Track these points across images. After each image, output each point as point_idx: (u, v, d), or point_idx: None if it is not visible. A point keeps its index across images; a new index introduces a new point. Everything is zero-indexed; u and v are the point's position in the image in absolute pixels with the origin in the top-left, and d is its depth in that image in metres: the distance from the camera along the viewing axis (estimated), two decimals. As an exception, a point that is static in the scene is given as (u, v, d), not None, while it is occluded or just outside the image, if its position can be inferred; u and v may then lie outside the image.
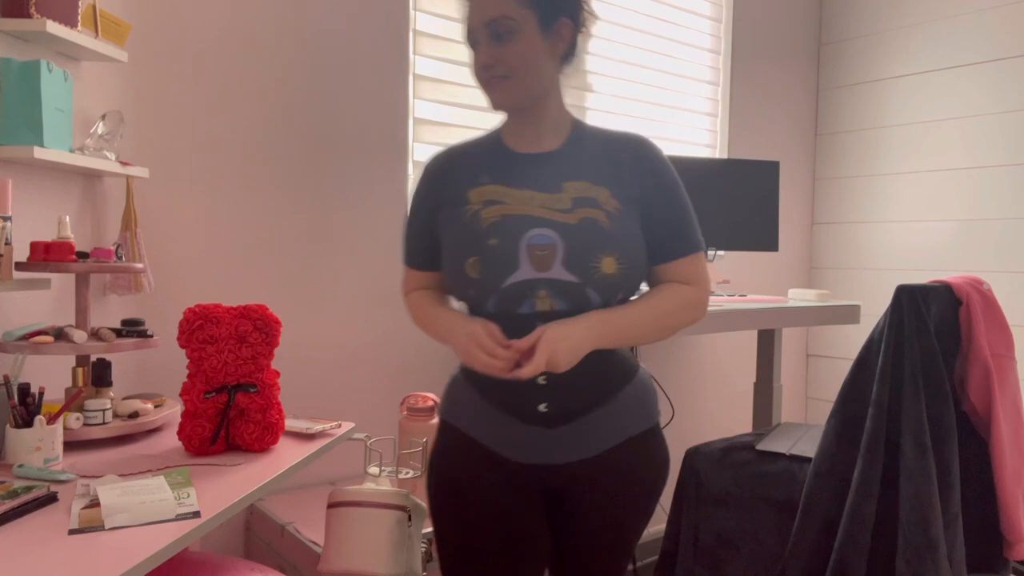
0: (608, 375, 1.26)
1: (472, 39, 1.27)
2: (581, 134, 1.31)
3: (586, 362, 1.21)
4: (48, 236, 1.70)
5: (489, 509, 1.29)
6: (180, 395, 1.48)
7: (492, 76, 1.24)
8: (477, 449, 1.29)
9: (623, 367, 1.29)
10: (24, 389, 1.37)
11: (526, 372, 1.14)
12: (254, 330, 1.50)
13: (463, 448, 1.31)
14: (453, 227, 1.27)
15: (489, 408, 1.27)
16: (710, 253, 2.73)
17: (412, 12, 2.43)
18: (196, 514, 1.13)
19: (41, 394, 1.39)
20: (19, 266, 1.52)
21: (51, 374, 1.72)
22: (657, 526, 3.11)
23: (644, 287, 1.34)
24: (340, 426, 1.70)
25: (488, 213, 1.24)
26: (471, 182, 1.29)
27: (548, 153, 1.29)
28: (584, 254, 1.19)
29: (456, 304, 1.33)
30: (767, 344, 2.85)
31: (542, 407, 1.23)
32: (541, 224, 1.21)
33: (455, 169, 1.32)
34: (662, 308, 1.26)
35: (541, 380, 1.22)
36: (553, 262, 1.19)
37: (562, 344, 1.15)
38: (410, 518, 1.49)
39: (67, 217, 1.57)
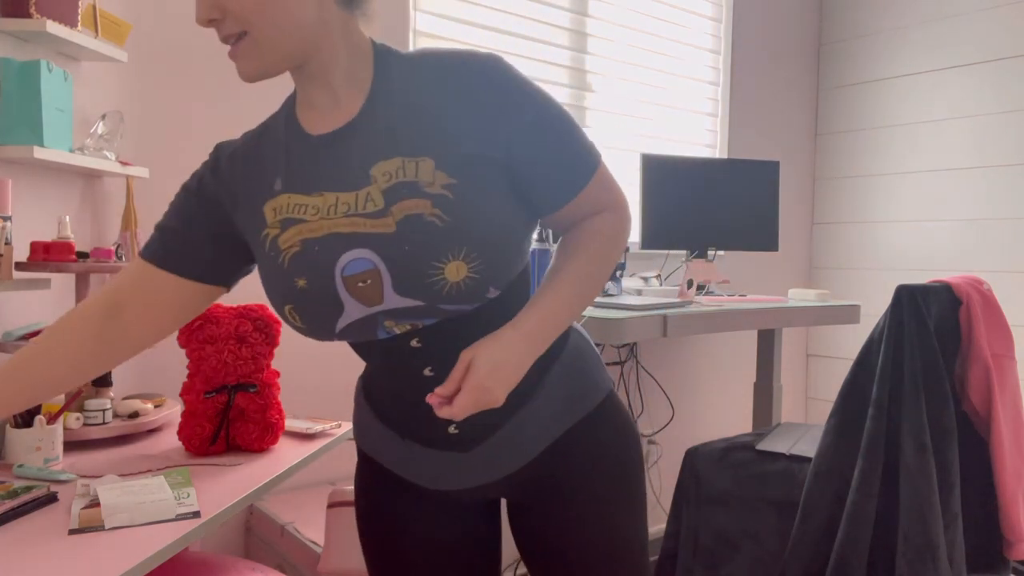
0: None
1: None
2: (387, 79, 0.93)
3: None
4: (48, 236, 1.70)
5: (414, 539, 1.09)
6: (180, 395, 1.48)
7: (225, 36, 0.88)
8: (390, 477, 1.09)
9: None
10: (24, 389, 1.37)
11: (455, 412, 0.87)
12: (254, 330, 1.50)
13: (376, 475, 1.10)
14: (258, 259, 0.98)
15: (394, 436, 1.04)
16: (709, 253, 2.73)
17: (412, 12, 2.43)
18: (196, 514, 1.13)
19: (41, 394, 1.39)
20: (19, 266, 1.52)
21: (51, 374, 1.72)
22: (657, 526, 3.11)
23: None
24: (340, 426, 1.70)
25: (286, 241, 0.93)
26: (265, 191, 0.97)
27: (345, 127, 0.93)
28: (417, 270, 0.87)
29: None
30: (767, 344, 2.86)
31: (452, 429, 0.99)
32: (352, 244, 0.89)
33: (248, 168, 0.99)
34: (591, 266, 0.96)
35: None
36: (382, 292, 0.89)
37: (498, 375, 0.88)
38: (410, 518, 1.49)
39: (67, 217, 1.57)
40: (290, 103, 1.00)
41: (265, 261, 0.96)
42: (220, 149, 1.03)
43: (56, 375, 0.99)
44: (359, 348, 1.01)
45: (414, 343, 0.94)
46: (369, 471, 1.12)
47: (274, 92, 2.17)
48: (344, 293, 0.90)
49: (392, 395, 1.02)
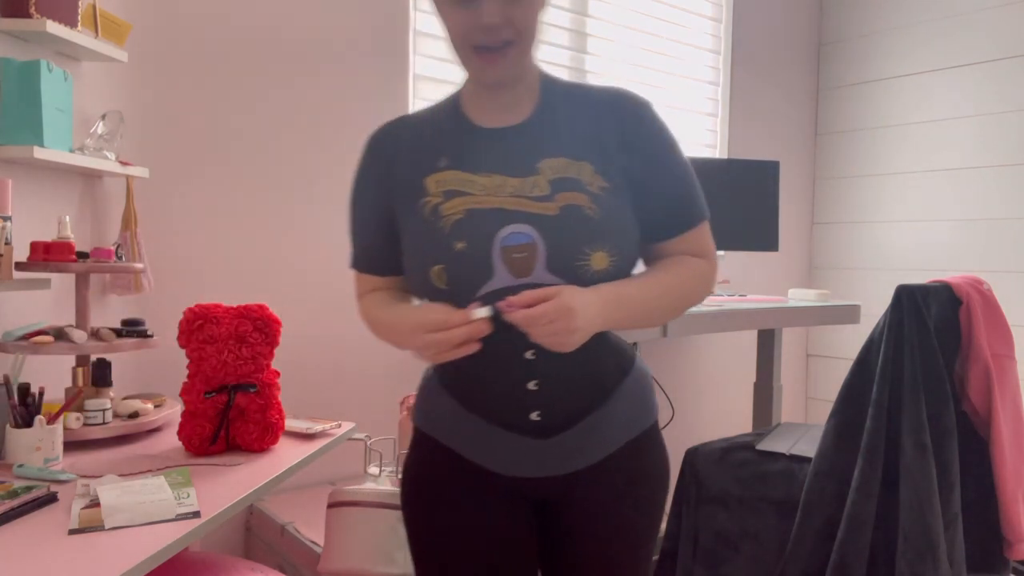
0: (604, 368, 1.10)
1: None
2: (553, 95, 1.10)
3: (581, 355, 1.03)
4: (48, 236, 1.70)
5: (474, 528, 1.13)
6: (180, 395, 1.48)
7: (496, 41, 1.00)
8: (458, 462, 1.12)
9: (619, 358, 1.13)
10: (24, 389, 1.37)
11: (530, 315, 0.94)
12: (254, 330, 1.50)
13: (442, 461, 1.14)
14: (410, 225, 1.07)
15: (471, 419, 1.10)
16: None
17: (412, 12, 2.43)
18: (196, 514, 1.13)
19: (41, 394, 1.39)
20: (19, 266, 1.52)
21: (51, 374, 1.72)
22: (657, 526, 3.11)
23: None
24: (340, 426, 1.70)
25: (450, 208, 1.03)
26: (427, 166, 1.07)
27: (518, 126, 1.08)
28: (570, 252, 1.00)
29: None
30: (767, 344, 2.86)
31: (535, 416, 1.06)
32: (516, 219, 1.00)
33: (407, 148, 1.10)
34: (679, 284, 1.08)
35: (532, 386, 1.05)
36: (534, 265, 1.00)
37: (581, 313, 0.95)
38: (410, 518, 1.49)
39: (67, 217, 1.57)
40: (455, 99, 1.13)
41: (421, 226, 1.05)
42: (373, 139, 1.14)
43: None
44: None
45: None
46: (434, 460, 1.14)
47: (274, 92, 2.18)
48: (498, 261, 1.00)
49: (485, 379, 1.07)
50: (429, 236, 1.03)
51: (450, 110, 1.13)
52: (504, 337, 1.01)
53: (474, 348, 0.99)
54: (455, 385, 1.12)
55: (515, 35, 1.01)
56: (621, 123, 1.07)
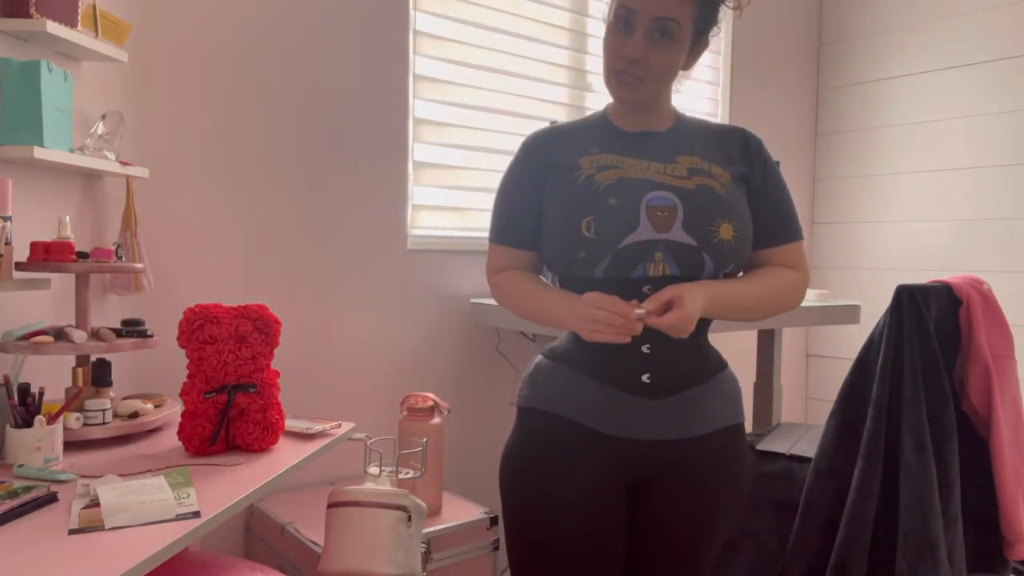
0: (705, 357, 1.26)
1: (625, 20, 1.20)
2: (685, 120, 1.33)
3: (685, 342, 1.23)
4: (48, 236, 1.70)
5: (581, 489, 1.24)
6: (180, 395, 1.48)
7: (629, 73, 1.22)
8: (569, 428, 1.25)
9: (717, 355, 1.30)
10: (24, 389, 1.37)
11: (664, 321, 1.13)
12: (254, 330, 1.50)
13: (552, 430, 1.26)
14: (564, 191, 1.24)
15: (586, 382, 1.24)
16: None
17: (412, 12, 2.43)
18: (196, 514, 1.13)
19: (41, 394, 1.39)
20: (19, 266, 1.52)
21: (51, 374, 1.72)
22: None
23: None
24: (340, 426, 1.70)
25: (604, 176, 1.23)
26: (581, 151, 1.27)
27: (658, 132, 1.30)
28: (704, 217, 1.19)
29: (550, 278, 1.27)
30: (767, 344, 2.85)
31: (645, 377, 1.22)
32: (660, 187, 1.21)
33: (561, 140, 1.30)
34: (774, 287, 1.26)
35: (645, 349, 1.21)
36: (673, 223, 1.18)
37: (694, 314, 1.14)
38: (410, 518, 1.49)
39: (67, 217, 1.57)
40: (603, 112, 1.35)
41: (575, 189, 1.23)
42: (527, 140, 1.33)
43: None
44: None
45: (647, 289, 1.20)
46: (546, 434, 1.26)
47: (274, 92, 2.18)
48: (644, 216, 1.18)
49: (603, 345, 1.22)
50: (584, 194, 1.21)
51: (598, 119, 1.34)
52: (626, 298, 1.18)
53: (624, 340, 1.14)
54: (567, 356, 1.27)
55: (647, 75, 1.21)
56: (744, 143, 1.30)
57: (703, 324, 1.27)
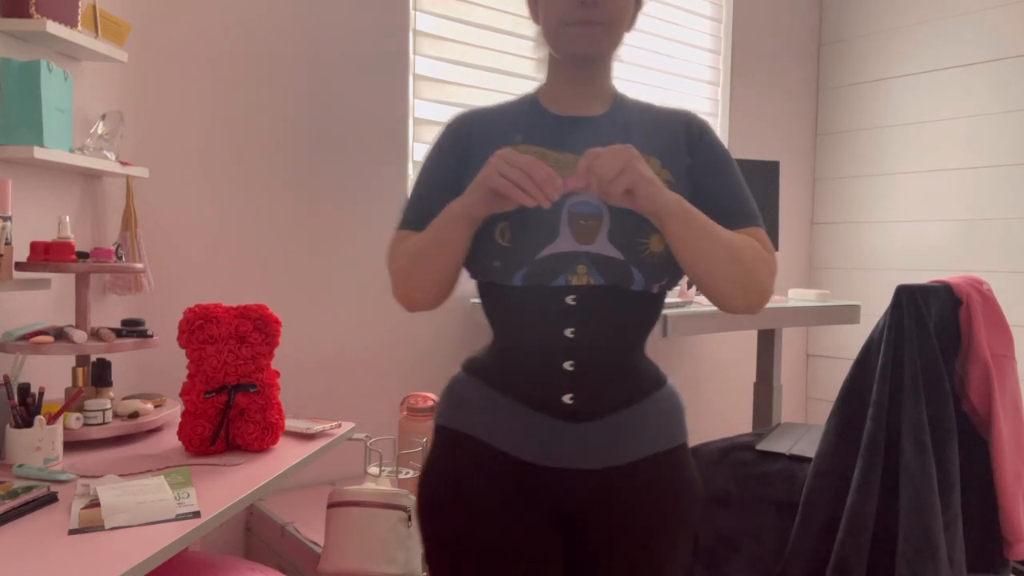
0: (639, 373, 1.12)
1: None
2: (624, 102, 1.18)
3: (620, 346, 1.08)
4: (48, 236, 1.70)
5: (500, 520, 1.08)
6: (180, 395, 1.48)
7: (587, 17, 1.06)
8: (486, 453, 1.10)
9: (654, 372, 1.16)
10: (24, 389, 1.37)
11: (599, 159, 0.97)
12: (254, 330, 1.50)
13: (468, 454, 1.11)
14: None
15: (504, 401, 1.10)
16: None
17: (412, 12, 2.43)
18: (196, 514, 1.13)
19: (41, 394, 1.39)
20: (19, 266, 1.52)
21: (51, 374, 1.72)
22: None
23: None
24: (340, 426, 1.70)
25: None
26: (502, 140, 1.13)
27: (592, 117, 1.14)
28: (632, 228, 1.04)
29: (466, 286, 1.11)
30: (767, 344, 2.85)
31: (567, 398, 1.07)
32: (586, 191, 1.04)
33: (483, 126, 1.16)
34: (744, 248, 1.06)
35: (568, 366, 1.06)
36: (598, 234, 1.04)
37: (642, 160, 0.99)
38: (410, 518, 1.50)
39: (67, 217, 1.57)
40: (532, 95, 1.19)
41: None
42: (450, 121, 1.18)
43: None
44: (506, 307, 1.09)
45: (570, 300, 1.05)
46: (461, 457, 1.12)
47: (274, 92, 2.17)
48: (564, 225, 1.05)
49: (522, 354, 1.09)
50: None
51: (527, 102, 1.18)
52: (545, 310, 1.05)
53: (532, 203, 0.98)
54: (486, 370, 1.13)
55: (606, 18, 1.07)
56: (688, 129, 1.16)
57: (638, 335, 1.11)
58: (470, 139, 1.15)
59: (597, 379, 1.08)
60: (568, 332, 1.06)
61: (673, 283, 1.11)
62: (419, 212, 1.14)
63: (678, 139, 1.14)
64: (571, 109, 1.15)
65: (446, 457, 1.13)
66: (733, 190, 1.13)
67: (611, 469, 1.09)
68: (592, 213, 1.05)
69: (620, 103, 1.17)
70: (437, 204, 1.10)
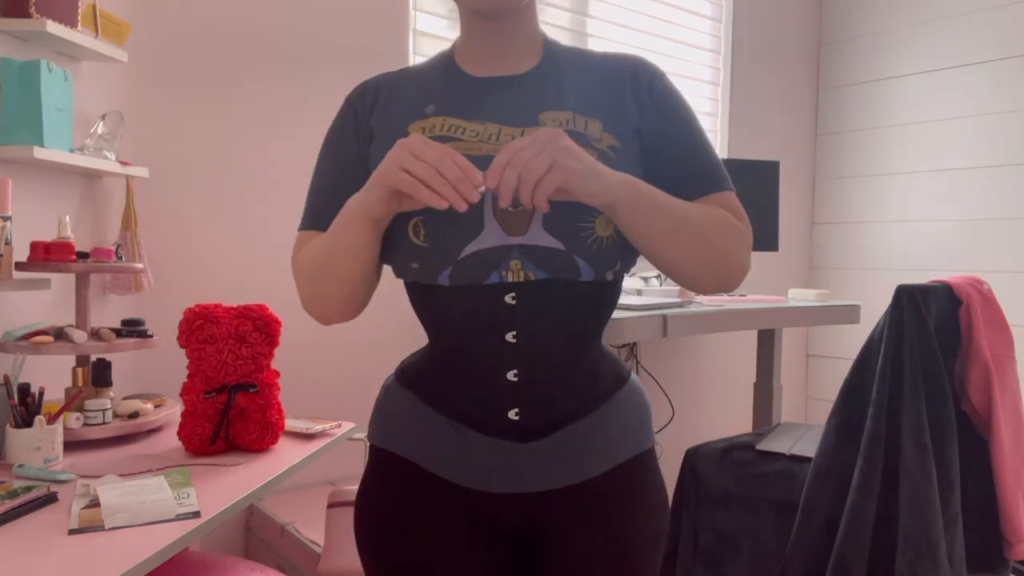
0: (596, 374, 0.96)
1: None
2: (557, 52, 0.99)
3: (572, 349, 0.92)
4: (48, 236, 1.70)
5: (443, 556, 0.95)
6: (180, 395, 1.48)
7: None
8: (422, 480, 0.95)
9: (614, 368, 0.99)
10: (24, 389, 1.37)
11: (520, 144, 0.80)
12: (254, 330, 1.50)
13: (402, 480, 0.96)
14: None
15: (439, 420, 0.94)
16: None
17: (412, 12, 2.43)
18: (196, 514, 1.13)
19: (41, 394, 1.39)
20: (19, 266, 1.52)
21: (51, 374, 1.72)
22: (657, 526, 3.12)
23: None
24: (340, 426, 1.70)
25: None
26: (411, 112, 0.95)
27: (518, 76, 0.96)
28: (572, 211, 0.87)
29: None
30: (767, 344, 2.85)
31: (512, 414, 0.91)
32: None
33: (389, 96, 0.98)
34: (703, 214, 0.91)
35: (512, 376, 0.90)
36: (529, 223, 0.87)
37: (575, 150, 0.82)
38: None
39: (67, 217, 1.57)
40: (448, 52, 1.01)
41: None
42: (352, 92, 1.01)
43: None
44: (435, 310, 0.93)
45: (509, 299, 0.89)
46: (394, 483, 0.97)
47: (274, 92, 2.17)
48: (489, 215, 0.87)
49: (458, 365, 0.93)
50: None
51: (441, 61, 1.00)
52: (481, 313, 0.90)
53: (444, 205, 0.80)
54: (419, 382, 0.97)
55: None
56: (635, 83, 0.96)
57: (592, 330, 0.94)
58: (373, 113, 0.97)
59: (547, 389, 0.92)
60: (510, 337, 0.90)
61: (629, 266, 0.95)
62: (320, 208, 0.98)
63: (623, 94, 0.95)
64: (492, 69, 0.97)
65: (379, 482, 0.98)
66: (692, 151, 0.95)
67: (571, 488, 0.94)
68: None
69: (551, 55, 0.98)
70: (340, 197, 0.93)
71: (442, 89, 0.96)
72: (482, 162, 0.87)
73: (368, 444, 1.03)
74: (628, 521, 0.97)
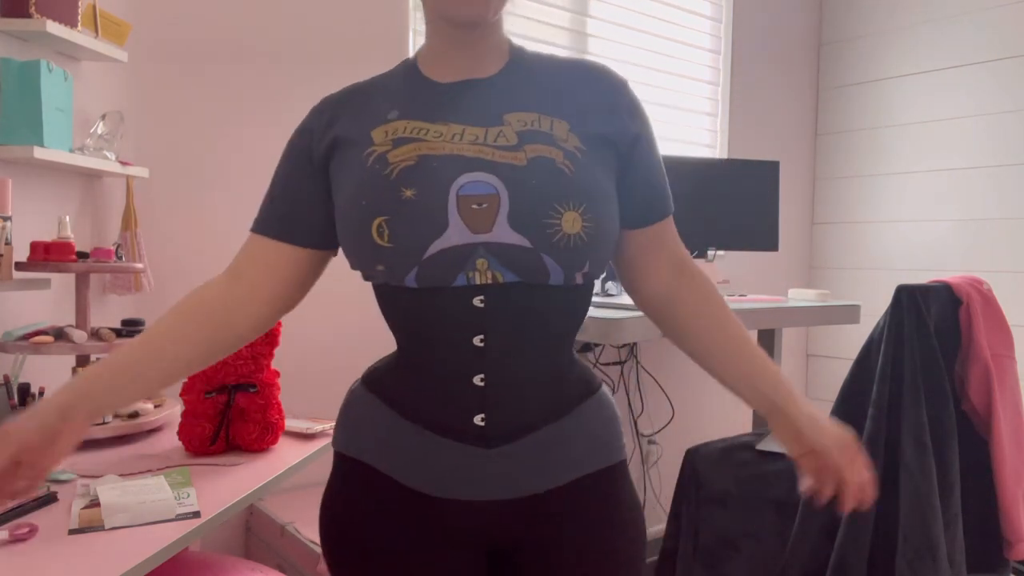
0: (565, 381, 0.95)
1: None
2: (523, 56, 0.99)
3: (540, 354, 0.91)
4: (48, 236, 1.70)
5: (409, 570, 0.93)
6: (180, 395, 1.48)
7: None
8: (387, 488, 0.94)
9: (584, 377, 0.98)
10: (24, 389, 1.37)
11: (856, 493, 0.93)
12: (254, 330, 1.50)
13: (368, 488, 0.95)
14: (348, 177, 0.92)
15: (404, 426, 0.93)
16: (709, 253, 2.73)
17: (412, 12, 2.43)
18: (196, 514, 1.13)
19: (41, 394, 1.39)
20: (19, 266, 1.52)
21: (51, 374, 1.72)
22: (657, 526, 3.11)
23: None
24: (340, 426, 1.70)
25: (399, 154, 0.90)
26: (373, 119, 0.94)
27: (481, 80, 0.96)
28: (538, 207, 0.86)
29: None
30: (767, 344, 2.85)
31: (478, 419, 0.90)
32: (476, 167, 0.87)
33: (351, 105, 0.98)
34: (742, 331, 1.00)
35: (478, 380, 0.90)
36: (495, 219, 0.86)
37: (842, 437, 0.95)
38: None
39: (67, 217, 1.57)
40: (411, 61, 1.01)
41: (363, 175, 0.90)
42: (316, 106, 1.02)
43: (185, 353, 0.94)
44: (401, 312, 0.92)
45: (478, 301, 0.88)
46: (359, 493, 0.96)
47: (274, 93, 2.17)
48: (453, 212, 0.86)
49: (423, 371, 0.92)
50: (372, 185, 0.88)
51: (404, 70, 1.00)
52: (448, 316, 0.88)
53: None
54: (386, 386, 0.96)
55: None
56: (606, 92, 0.96)
57: (562, 336, 0.93)
58: (335, 121, 0.97)
59: (514, 394, 0.91)
60: (477, 341, 0.88)
61: (598, 272, 0.93)
62: (275, 213, 0.99)
63: (589, 102, 0.95)
64: (457, 74, 0.96)
65: (343, 489, 0.98)
66: (657, 170, 1.00)
67: (537, 497, 0.93)
68: (486, 194, 0.86)
69: (517, 59, 0.98)
70: (288, 203, 0.97)
71: (405, 95, 0.96)
72: (446, 161, 0.88)
73: (333, 451, 1.01)
74: (598, 534, 0.95)
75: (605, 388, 1.02)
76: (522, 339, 0.90)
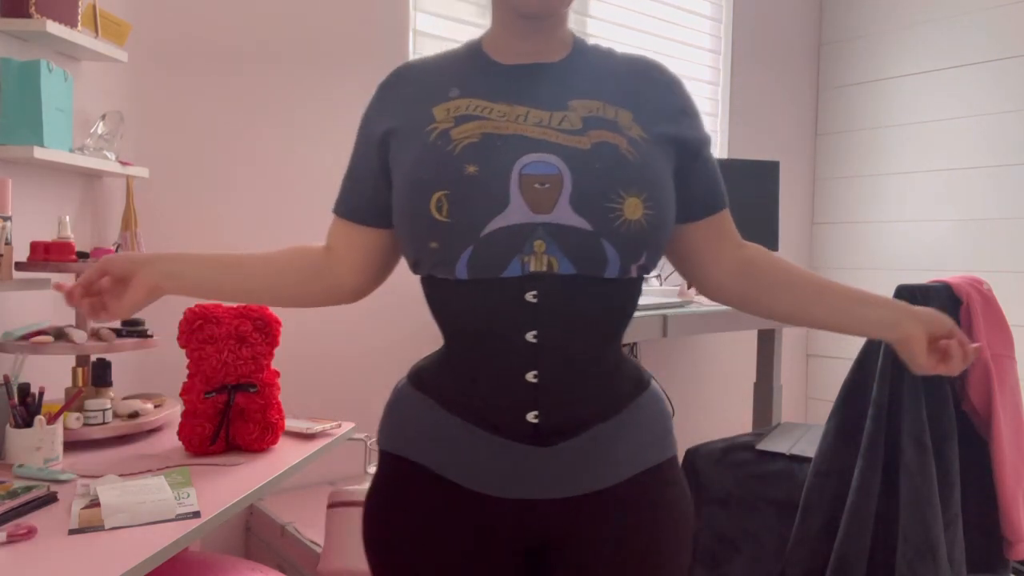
0: (618, 377, 0.94)
1: None
2: (584, 49, 1.01)
3: (592, 350, 0.90)
4: (48, 236, 1.70)
5: (455, 565, 0.92)
6: (180, 395, 1.48)
7: None
8: (436, 486, 0.93)
9: (636, 373, 0.98)
10: (24, 389, 1.37)
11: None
12: (254, 330, 1.50)
13: (415, 486, 0.94)
14: (410, 155, 0.92)
15: (455, 423, 0.92)
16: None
17: (412, 12, 2.43)
18: (196, 514, 1.13)
19: (41, 394, 1.39)
20: (19, 266, 1.52)
21: (51, 374, 1.72)
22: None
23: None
24: (340, 426, 1.70)
25: (463, 131, 0.90)
26: (436, 96, 0.95)
27: (546, 64, 0.97)
28: (601, 190, 0.86)
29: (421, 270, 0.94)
30: (767, 344, 2.86)
31: (531, 416, 0.89)
32: (540, 147, 0.87)
33: (414, 82, 0.98)
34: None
35: (531, 377, 0.88)
36: (557, 200, 0.85)
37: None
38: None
39: (67, 217, 1.57)
40: (476, 43, 1.01)
41: (425, 150, 0.90)
42: (384, 80, 1.02)
43: (272, 281, 1.01)
44: (451, 307, 0.91)
45: (531, 296, 0.86)
46: (408, 491, 0.94)
47: (275, 92, 2.17)
48: (515, 190, 0.85)
49: (474, 367, 0.90)
50: (433, 160, 0.88)
51: (468, 50, 1.01)
52: (500, 311, 0.87)
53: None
54: (436, 382, 0.95)
55: None
56: (668, 89, 0.98)
57: (615, 331, 0.92)
58: (397, 100, 0.98)
59: (567, 391, 0.89)
60: (530, 337, 0.87)
61: (652, 265, 0.93)
62: (347, 195, 1.03)
63: (651, 98, 0.96)
64: (522, 58, 0.97)
65: (390, 487, 0.96)
66: (714, 168, 1.02)
67: (590, 496, 0.92)
68: (549, 174, 0.86)
69: (580, 49, 1.00)
70: (362, 187, 1.00)
71: (469, 74, 0.97)
72: (511, 140, 0.88)
73: (378, 449, 1.01)
74: (651, 533, 0.94)
75: (655, 383, 1.02)
76: (576, 333, 0.89)
